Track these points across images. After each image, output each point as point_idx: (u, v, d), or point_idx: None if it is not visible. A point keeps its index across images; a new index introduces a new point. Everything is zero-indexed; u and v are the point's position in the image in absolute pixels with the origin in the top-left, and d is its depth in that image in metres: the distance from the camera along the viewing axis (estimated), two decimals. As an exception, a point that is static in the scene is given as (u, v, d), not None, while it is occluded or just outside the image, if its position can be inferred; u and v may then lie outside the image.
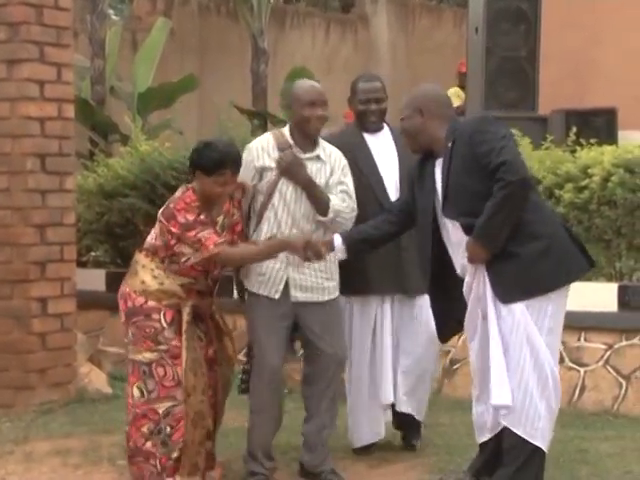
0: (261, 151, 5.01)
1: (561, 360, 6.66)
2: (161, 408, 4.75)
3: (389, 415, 5.58)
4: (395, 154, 5.45)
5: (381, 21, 15.85)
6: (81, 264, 8.00)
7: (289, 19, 15.67)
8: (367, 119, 5.47)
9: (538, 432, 4.52)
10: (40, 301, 6.68)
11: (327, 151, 5.10)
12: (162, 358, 4.74)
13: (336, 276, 5.10)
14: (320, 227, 5.02)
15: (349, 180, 5.11)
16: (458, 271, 4.69)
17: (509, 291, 4.51)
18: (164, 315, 4.74)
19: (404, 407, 5.48)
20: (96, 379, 7.05)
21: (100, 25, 11.78)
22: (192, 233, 4.63)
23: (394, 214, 4.96)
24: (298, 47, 15.36)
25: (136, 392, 4.79)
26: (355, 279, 5.27)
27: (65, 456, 5.56)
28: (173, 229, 4.67)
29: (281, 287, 4.95)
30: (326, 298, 5.04)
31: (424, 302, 5.20)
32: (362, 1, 16.53)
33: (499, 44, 9.24)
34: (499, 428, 4.61)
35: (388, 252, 5.21)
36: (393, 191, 5.37)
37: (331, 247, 4.88)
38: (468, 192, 4.56)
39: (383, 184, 5.37)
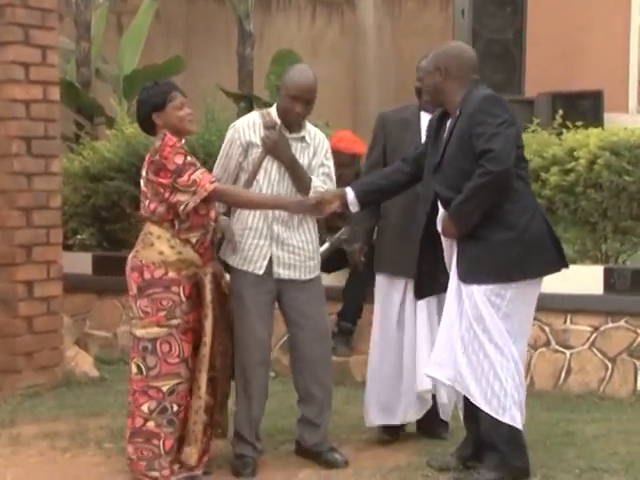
0: (247, 128, 5.05)
1: (547, 343, 6.71)
2: (165, 386, 4.69)
3: (429, 403, 5.39)
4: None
5: (367, 4, 15.78)
6: (67, 247, 7.97)
7: (275, 2, 15.60)
8: (421, 97, 5.37)
9: (507, 411, 4.59)
10: (26, 284, 6.66)
11: (312, 133, 5.14)
12: (170, 334, 4.68)
13: (317, 255, 5.16)
14: None
15: (331, 163, 5.17)
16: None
17: (469, 273, 4.63)
18: (183, 288, 4.70)
19: (442, 397, 5.32)
20: (83, 362, 7.04)
21: (85, 7, 11.73)
22: (185, 177, 4.63)
23: (408, 164, 5.02)
24: (284, 30, 15.30)
25: (134, 369, 4.74)
26: (385, 257, 5.33)
27: (52, 439, 5.56)
28: (164, 181, 4.65)
29: (265, 263, 5.00)
30: (308, 277, 5.09)
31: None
32: (348, -17, 16.47)
33: (485, 27, 9.24)
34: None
35: (417, 232, 5.08)
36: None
37: (344, 201, 4.93)
38: (456, 167, 4.63)
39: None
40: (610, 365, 6.52)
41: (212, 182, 4.67)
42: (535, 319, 6.68)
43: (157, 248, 4.71)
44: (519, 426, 4.65)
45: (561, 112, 7.54)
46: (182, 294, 4.70)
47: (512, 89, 9.22)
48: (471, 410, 4.76)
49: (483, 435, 4.73)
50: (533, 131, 7.39)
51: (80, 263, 8.08)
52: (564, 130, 7.23)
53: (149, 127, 4.84)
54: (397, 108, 5.55)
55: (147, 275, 4.70)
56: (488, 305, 4.59)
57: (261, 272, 4.99)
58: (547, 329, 6.73)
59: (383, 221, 5.43)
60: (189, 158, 4.69)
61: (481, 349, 4.61)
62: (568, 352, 6.67)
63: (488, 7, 9.28)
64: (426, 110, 5.31)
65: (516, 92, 9.23)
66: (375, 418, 5.44)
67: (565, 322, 6.70)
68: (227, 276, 5.01)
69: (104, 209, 8.36)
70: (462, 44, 5.06)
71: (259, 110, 5.21)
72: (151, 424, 4.70)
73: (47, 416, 6.02)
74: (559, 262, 4.73)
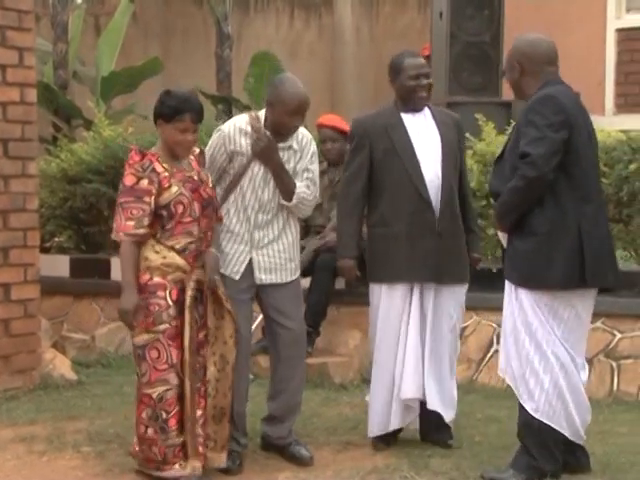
0: (234, 135, 5.03)
1: (525, 344, 6.71)
2: (155, 393, 4.67)
3: (416, 411, 5.34)
4: (437, 133, 5.27)
5: (345, 6, 15.80)
6: (45, 250, 7.95)
7: (253, 4, 15.60)
8: (417, 95, 5.26)
9: (541, 406, 4.61)
10: (3, 287, 6.62)
11: (299, 137, 5.14)
12: (158, 340, 4.65)
13: (297, 257, 5.18)
14: (282, 211, 5.08)
15: (315, 167, 5.16)
16: None
17: (506, 270, 4.74)
18: (170, 293, 4.66)
19: (432, 404, 5.27)
20: (60, 365, 7.00)
21: (63, 9, 11.70)
22: (121, 199, 4.63)
23: None
24: (262, 32, 15.30)
25: (135, 377, 4.75)
26: (387, 265, 5.21)
27: (30, 443, 5.53)
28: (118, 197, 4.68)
29: (242, 268, 5.01)
30: (289, 279, 5.11)
31: (455, 292, 5.28)
32: (326, -15, 16.49)
33: (463, 29, 9.25)
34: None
35: (423, 238, 5.15)
36: (431, 172, 5.19)
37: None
38: (509, 162, 4.64)
39: (419, 167, 5.17)
40: (587, 366, 6.53)
41: (128, 234, 4.60)
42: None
43: (142, 254, 4.69)
44: (556, 426, 4.65)
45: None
46: (169, 298, 4.66)
47: (490, 91, 9.23)
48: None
49: (517, 433, 4.74)
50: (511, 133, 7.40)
51: (57, 266, 8.05)
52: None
53: (156, 124, 4.81)
54: (371, 114, 5.42)
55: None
56: (528, 303, 4.62)
57: (237, 277, 5.00)
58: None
59: (382, 229, 5.25)
60: (144, 182, 4.62)
61: (521, 344, 4.65)
62: (546, 353, 6.68)
63: (466, 10, 9.29)
64: (406, 111, 5.28)
65: (494, 94, 9.24)
66: (394, 424, 5.30)
67: (543, 324, 6.71)
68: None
69: (82, 211, 8.34)
70: (537, 35, 4.86)
71: (247, 113, 5.19)
72: (150, 431, 4.72)
73: (24, 420, 5.98)
74: (580, 279, 4.60)
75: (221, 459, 4.89)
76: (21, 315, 6.72)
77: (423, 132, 5.26)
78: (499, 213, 4.70)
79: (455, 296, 5.31)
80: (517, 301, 4.67)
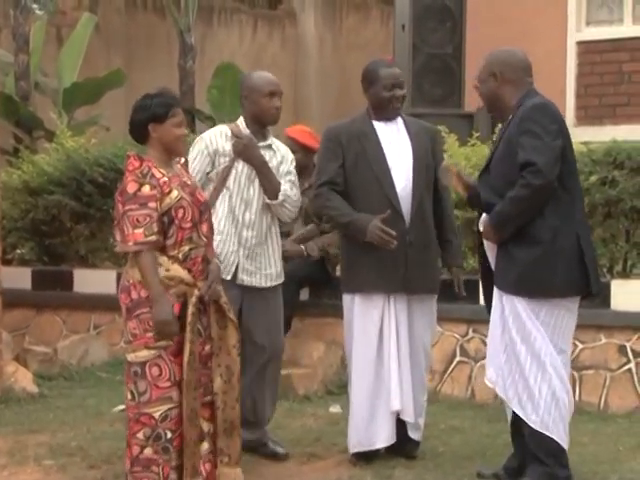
0: (214, 138, 5.20)
1: (488, 354, 6.74)
2: (157, 412, 4.37)
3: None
4: (408, 143, 5.25)
5: (309, 18, 15.84)
6: (6, 262, 7.88)
7: (216, 15, 15.59)
8: (392, 105, 5.24)
9: (540, 417, 4.59)
10: (-36, 300, 6.57)
11: (276, 143, 5.34)
12: (159, 356, 4.38)
13: (279, 263, 5.30)
14: (266, 213, 5.20)
15: (295, 172, 5.34)
16: None
17: (500, 281, 4.68)
18: (172, 307, 4.38)
19: (407, 416, 5.22)
20: (22, 378, 6.95)
21: (24, 20, 11.64)
22: (123, 219, 4.37)
23: None
24: (226, 43, 15.29)
25: (128, 395, 4.45)
26: (359, 275, 5.17)
27: (-9, 457, 5.49)
28: (120, 205, 4.39)
29: (233, 269, 5.15)
30: (269, 284, 5.25)
31: (425, 302, 5.26)
32: (290, -3, 16.53)
33: (425, 41, 9.31)
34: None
35: (395, 250, 5.08)
36: (402, 181, 5.16)
37: None
38: (500, 172, 4.63)
39: (390, 175, 5.15)
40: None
41: (138, 243, 4.34)
42: (476, 332, 6.79)
43: None
44: (555, 436, 4.61)
45: (500, 126, 7.60)
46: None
47: (452, 103, 9.29)
48: (517, 423, 4.74)
49: (526, 445, 4.69)
50: (473, 145, 7.46)
51: (19, 278, 7.99)
52: (503, 144, 7.29)
53: (141, 136, 4.55)
54: (344, 121, 5.39)
55: (134, 295, 4.41)
56: (525, 313, 4.59)
57: (228, 277, 5.10)
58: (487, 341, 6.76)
59: (354, 240, 5.20)
60: (146, 188, 4.39)
61: (517, 355, 4.62)
62: (508, 364, 6.70)
63: (428, 22, 9.35)
64: (379, 120, 5.26)
65: (456, 106, 9.30)
66: (382, 440, 5.22)
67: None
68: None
69: (44, 223, 8.28)
70: (512, 48, 4.92)
71: (227, 124, 5.35)
72: (149, 451, 4.40)
73: (-15, 433, 5.94)
74: (585, 286, 4.63)
75: (236, 474, 4.62)
76: (-18, 328, 6.67)
77: (395, 142, 5.25)
78: (497, 223, 4.61)
79: (425, 307, 5.28)
80: (512, 311, 4.62)
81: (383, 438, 5.22)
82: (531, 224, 4.57)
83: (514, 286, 4.62)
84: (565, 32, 11.02)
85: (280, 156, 5.30)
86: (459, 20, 9.38)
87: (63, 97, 11.71)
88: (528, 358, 4.61)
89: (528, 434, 4.66)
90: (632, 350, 6.47)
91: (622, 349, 6.51)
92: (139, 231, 4.35)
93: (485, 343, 6.69)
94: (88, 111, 12.20)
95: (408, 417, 5.22)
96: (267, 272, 5.24)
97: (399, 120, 5.33)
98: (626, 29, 10.90)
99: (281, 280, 5.34)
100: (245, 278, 5.19)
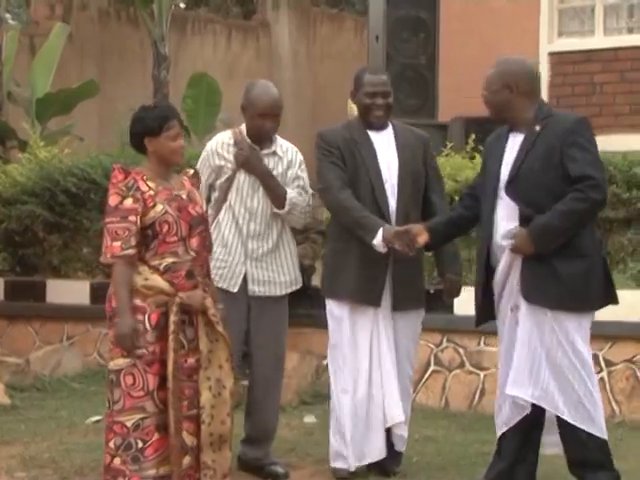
0: (217, 151, 5.14)
1: (461, 364, 6.77)
2: (129, 421, 4.35)
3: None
4: (395, 155, 5.13)
5: (283, 28, 15.87)
6: (-22, 273, 7.85)
7: (190, 25, 15.59)
8: (372, 114, 5.12)
9: (602, 425, 4.59)
10: (-64, 311, 6.53)
11: (284, 147, 5.23)
12: (134, 365, 4.37)
13: (295, 269, 5.23)
14: (276, 221, 5.13)
15: (305, 175, 5.23)
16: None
17: (540, 295, 4.55)
18: (149, 317, 4.39)
19: (400, 429, 5.17)
20: (-6, 390, 6.92)
21: (-4, 29, 11.59)
22: (106, 228, 4.40)
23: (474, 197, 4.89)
24: (200, 53, 15.29)
25: (106, 403, 4.45)
26: (348, 283, 5.06)
27: (-38, 469, 5.45)
28: (105, 215, 4.45)
29: (239, 280, 5.09)
30: (284, 292, 5.20)
31: (410, 314, 5.17)
32: (264, 8, 16.54)
33: (399, 51, 9.35)
34: (513, 421, 4.66)
35: (378, 263, 5.00)
36: (389, 192, 5.09)
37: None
38: (537, 183, 4.54)
39: (383, 184, 5.08)
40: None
41: (115, 256, 4.36)
42: (450, 341, 6.81)
43: None
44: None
45: (473, 136, 7.65)
46: (147, 322, 4.40)
47: (426, 113, 9.33)
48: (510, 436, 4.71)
49: (586, 455, 4.62)
50: (447, 155, 7.48)
51: (-8, 289, 7.95)
52: (477, 154, 7.33)
53: (139, 147, 4.59)
54: (337, 127, 5.26)
55: (114, 303, 4.43)
56: (573, 328, 4.56)
57: (235, 290, 5.07)
58: (461, 351, 6.80)
59: (339, 244, 5.14)
60: (128, 202, 4.40)
61: (571, 368, 4.57)
62: (482, 373, 6.73)
63: (402, 32, 9.40)
64: (372, 128, 5.14)
65: (430, 116, 9.34)
66: (374, 455, 5.13)
67: (479, 344, 6.77)
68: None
69: (17, 234, 8.25)
70: (520, 58, 4.89)
71: (232, 129, 5.26)
72: (117, 461, 4.38)
73: (-43, 445, 5.90)
74: (611, 297, 4.68)
75: None
76: (-46, 339, 6.63)
77: (384, 152, 5.15)
78: (542, 236, 4.49)
79: (410, 318, 5.19)
80: (560, 329, 4.54)
81: (375, 452, 5.13)
82: (576, 237, 4.53)
83: (559, 300, 4.53)
84: (537, 43, 11.09)
85: (286, 162, 5.18)
86: (432, 31, 9.42)
87: (36, 107, 11.67)
88: (582, 369, 4.58)
89: (584, 444, 4.59)
90: (604, 359, 6.50)
91: (595, 358, 6.53)
92: (117, 244, 4.39)
93: (457, 352, 6.76)
94: (61, 121, 12.16)
95: (400, 429, 5.16)
96: (282, 280, 5.17)
97: (389, 130, 5.21)
98: (597, 40, 11.00)
99: (298, 286, 5.27)
100: (257, 289, 5.11)
